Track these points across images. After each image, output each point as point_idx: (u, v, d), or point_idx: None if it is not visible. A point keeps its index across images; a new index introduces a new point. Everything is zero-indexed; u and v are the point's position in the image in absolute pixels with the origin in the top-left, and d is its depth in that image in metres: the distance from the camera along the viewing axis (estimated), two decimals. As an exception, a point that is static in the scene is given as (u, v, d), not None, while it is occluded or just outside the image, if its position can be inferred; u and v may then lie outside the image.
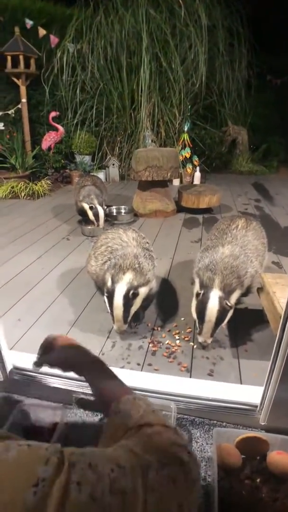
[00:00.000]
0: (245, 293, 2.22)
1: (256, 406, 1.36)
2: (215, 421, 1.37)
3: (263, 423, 1.32)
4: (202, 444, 1.28)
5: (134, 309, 1.96)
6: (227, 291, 1.93)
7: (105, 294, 1.95)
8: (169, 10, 6.09)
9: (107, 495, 0.47)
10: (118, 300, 1.88)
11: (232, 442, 1.19)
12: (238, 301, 2.10)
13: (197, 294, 1.97)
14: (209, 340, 1.93)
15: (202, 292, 1.94)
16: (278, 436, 1.17)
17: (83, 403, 1.47)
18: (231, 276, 1.97)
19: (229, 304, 1.91)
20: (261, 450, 1.17)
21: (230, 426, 1.37)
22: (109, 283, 1.95)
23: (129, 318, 1.95)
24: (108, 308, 1.96)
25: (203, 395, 1.40)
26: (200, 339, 1.94)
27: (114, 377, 0.90)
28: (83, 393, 1.47)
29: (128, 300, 1.88)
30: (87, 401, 1.47)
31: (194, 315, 1.97)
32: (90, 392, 1.47)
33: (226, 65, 6.74)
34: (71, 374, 1.49)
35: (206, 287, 1.95)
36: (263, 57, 7.43)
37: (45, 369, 1.54)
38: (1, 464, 0.46)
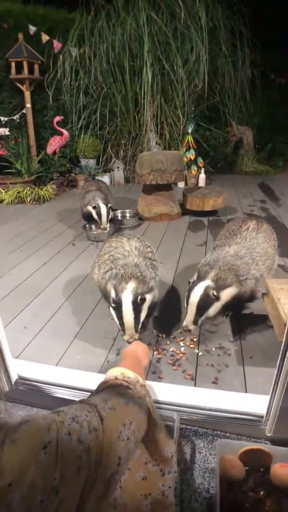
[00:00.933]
0: (250, 298, 2.22)
1: (262, 417, 1.35)
2: (219, 432, 1.37)
3: (269, 434, 1.31)
4: (205, 455, 1.29)
5: (143, 315, 1.91)
6: (219, 284, 1.97)
7: (112, 305, 1.90)
8: (170, 12, 6.08)
9: (87, 435, 0.70)
10: (128, 308, 1.83)
11: (235, 453, 1.19)
12: (238, 304, 2.14)
13: (189, 282, 2.06)
14: (191, 327, 1.96)
15: (193, 280, 2.03)
16: (282, 449, 1.17)
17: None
18: (228, 272, 2.01)
19: (215, 294, 1.93)
20: (264, 462, 1.17)
21: (235, 437, 1.37)
22: (113, 294, 1.91)
23: (140, 326, 1.90)
24: (116, 319, 1.89)
25: (206, 405, 1.40)
26: (183, 323, 1.99)
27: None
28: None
29: (137, 306, 1.84)
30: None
31: (186, 302, 2.03)
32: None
33: (229, 65, 6.71)
34: (76, 384, 1.51)
35: (199, 278, 2.02)
36: (266, 56, 7.38)
37: (49, 379, 1.57)
38: (19, 435, 0.60)
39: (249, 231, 2.33)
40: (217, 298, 1.95)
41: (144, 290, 1.91)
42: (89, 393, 1.51)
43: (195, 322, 1.96)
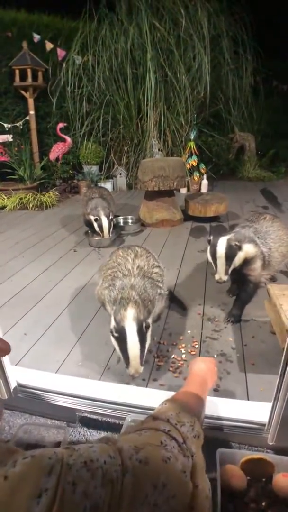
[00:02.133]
0: (255, 285, 2.36)
1: (264, 425, 1.33)
2: (220, 440, 1.34)
3: (271, 443, 1.29)
4: (206, 464, 1.26)
5: (148, 344, 1.72)
6: (238, 239, 2.20)
7: (114, 335, 1.70)
8: (173, 21, 6.15)
9: (99, 489, 0.54)
10: (133, 340, 1.62)
11: (237, 463, 1.17)
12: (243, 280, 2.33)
13: (209, 241, 2.27)
14: (224, 277, 2.18)
15: (211, 237, 2.26)
16: (284, 458, 1.15)
17: (86, 421, 1.48)
18: (244, 233, 2.29)
19: (237, 244, 2.15)
20: (266, 472, 1.15)
21: (236, 446, 1.34)
22: (113, 323, 1.72)
23: (144, 358, 1.69)
24: (119, 351, 1.69)
25: (207, 413, 1.37)
26: (216, 276, 2.19)
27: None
28: (86, 411, 1.47)
29: (143, 336, 1.65)
30: (91, 419, 1.47)
31: (209, 258, 2.24)
32: (93, 410, 1.48)
33: (232, 72, 6.76)
34: (76, 392, 1.49)
35: (218, 236, 2.25)
36: (268, 63, 7.42)
37: (49, 386, 1.55)
38: (9, 479, 0.50)
39: (266, 220, 2.56)
40: (240, 248, 2.16)
41: (145, 315, 1.73)
42: (89, 401, 1.50)
43: (226, 273, 2.17)
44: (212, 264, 2.23)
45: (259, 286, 2.41)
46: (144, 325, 1.66)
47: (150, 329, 1.73)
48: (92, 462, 0.57)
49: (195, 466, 0.77)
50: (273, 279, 2.78)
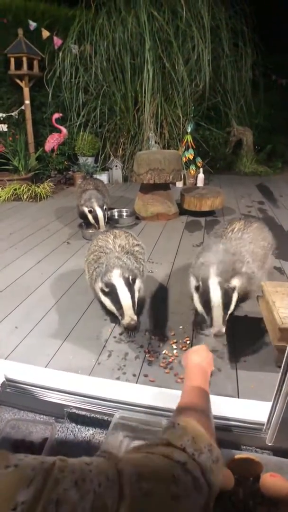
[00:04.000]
0: (244, 298, 2.10)
1: (255, 424, 1.32)
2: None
3: (270, 444, 1.27)
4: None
5: (137, 296, 1.88)
6: (225, 278, 1.85)
7: (105, 290, 1.83)
8: (172, 11, 6.04)
9: None
10: (122, 289, 1.79)
11: (224, 463, 1.16)
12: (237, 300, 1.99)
13: (196, 287, 1.91)
14: (223, 329, 1.80)
15: (200, 283, 1.87)
16: (272, 458, 1.14)
17: (75, 417, 1.46)
18: (226, 265, 1.91)
19: (231, 286, 1.84)
20: (254, 471, 1.14)
21: (227, 445, 1.33)
22: (100, 284, 1.87)
23: (136, 306, 1.85)
24: (112, 304, 1.83)
25: None
26: (214, 330, 1.80)
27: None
28: (75, 407, 1.45)
29: (130, 286, 1.82)
30: (79, 415, 1.46)
31: (199, 308, 1.91)
32: (82, 406, 1.46)
33: (231, 65, 6.68)
34: (63, 387, 1.47)
35: (203, 278, 1.87)
36: (268, 57, 7.35)
37: (38, 381, 1.53)
38: None
39: (234, 232, 2.28)
40: (233, 289, 1.86)
41: (132, 274, 1.88)
42: (78, 397, 1.48)
43: (224, 322, 1.82)
44: (205, 315, 1.88)
45: (245, 300, 2.13)
46: (130, 277, 1.82)
47: (137, 281, 1.88)
48: (84, 482, 0.50)
49: (211, 497, 0.66)
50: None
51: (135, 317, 1.79)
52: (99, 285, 1.89)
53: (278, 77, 8.41)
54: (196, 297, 1.92)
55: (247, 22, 6.62)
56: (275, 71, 8.23)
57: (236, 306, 1.93)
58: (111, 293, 1.80)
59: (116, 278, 1.81)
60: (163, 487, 0.58)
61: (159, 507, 0.55)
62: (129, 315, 1.77)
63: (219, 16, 6.32)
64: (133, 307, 1.80)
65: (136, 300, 1.85)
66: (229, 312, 1.85)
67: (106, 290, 1.81)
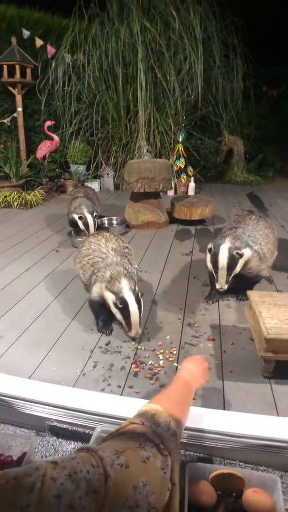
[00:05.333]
0: (255, 278, 2.55)
1: (248, 437, 1.28)
2: (191, 453, 1.31)
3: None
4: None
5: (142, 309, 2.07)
6: (237, 246, 2.26)
7: (118, 306, 1.99)
8: (164, 22, 6.12)
9: (83, 499, 0.57)
10: (134, 307, 1.96)
11: (206, 477, 1.14)
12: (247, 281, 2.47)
13: (209, 249, 2.33)
14: (225, 286, 2.24)
15: (213, 246, 2.30)
16: (255, 473, 1.12)
17: (56, 431, 1.43)
18: (241, 238, 2.34)
19: (239, 252, 2.23)
20: (237, 487, 1.12)
21: (209, 459, 1.31)
22: (112, 297, 2.03)
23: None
24: (122, 318, 2.01)
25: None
26: (217, 285, 2.25)
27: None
28: (56, 420, 1.42)
29: (140, 303, 2.02)
30: (61, 428, 1.42)
31: (210, 266, 2.31)
32: (64, 419, 1.43)
33: (222, 76, 6.77)
34: (45, 399, 1.44)
35: (216, 243, 2.30)
36: (258, 69, 7.47)
37: (19, 393, 1.50)
38: None
39: (252, 220, 2.68)
40: (241, 256, 2.24)
41: (135, 286, 2.07)
42: (62, 410, 1.45)
43: (227, 281, 2.23)
44: (213, 272, 2.28)
45: (259, 279, 2.62)
46: (139, 294, 2.03)
47: (137, 289, 2.08)
48: (76, 474, 0.59)
49: (173, 464, 0.80)
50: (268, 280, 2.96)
51: (140, 331, 2.03)
52: (111, 297, 2.04)
53: (269, 88, 8.55)
54: (208, 257, 2.33)
55: (238, 35, 6.73)
56: (266, 82, 8.37)
57: (249, 273, 2.40)
58: (123, 308, 1.98)
59: (127, 292, 1.99)
60: (135, 455, 0.72)
61: (135, 472, 0.68)
62: (136, 329, 1.99)
63: (211, 29, 6.41)
64: (139, 322, 2.01)
65: (141, 314, 2.04)
66: (233, 274, 2.23)
67: (120, 306, 1.98)
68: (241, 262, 2.27)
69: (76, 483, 0.57)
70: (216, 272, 2.24)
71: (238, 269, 2.28)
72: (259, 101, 8.10)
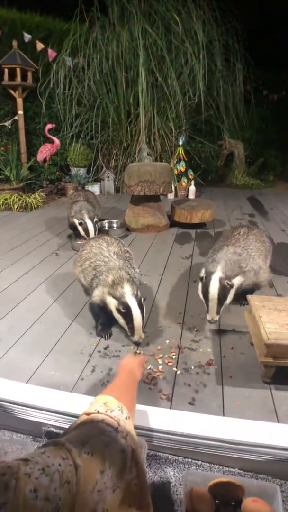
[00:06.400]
0: (253, 289, 2.51)
1: (239, 444, 1.28)
2: (190, 460, 1.29)
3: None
4: (175, 484, 1.21)
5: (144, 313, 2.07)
6: (228, 275, 2.20)
7: (122, 311, 1.99)
8: (165, 26, 6.13)
9: (58, 490, 0.60)
10: (137, 312, 1.97)
11: (205, 485, 1.12)
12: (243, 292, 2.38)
13: (201, 278, 2.27)
14: (216, 318, 2.17)
15: (204, 275, 2.24)
16: (254, 481, 1.10)
17: (53, 436, 1.41)
18: (231, 265, 2.27)
19: (229, 283, 2.17)
20: (236, 495, 1.10)
21: (207, 466, 1.29)
22: (114, 301, 2.02)
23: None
24: (125, 323, 2.00)
25: (178, 430, 1.32)
26: (208, 317, 2.18)
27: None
28: (53, 425, 1.40)
29: (143, 308, 2.02)
30: (58, 434, 1.41)
31: (201, 296, 2.24)
32: (61, 425, 1.41)
33: (223, 80, 6.78)
34: (42, 405, 1.42)
35: (208, 272, 2.23)
36: (259, 73, 7.49)
37: (15, 399, 1.48)
38: None
39: (241, 235, 2.62)
40: (232, 286, 2.19)
41: (137, 290, 2.07)
42: (59, 415, 1.43)
43: (218, 313, 2.17)
44: (204, 303, 2.23)
45: (260, 288, 2.57)
46: (141, 299, 2.03)
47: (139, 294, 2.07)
48: (48, 467, 0.61)
49: (134, 444, 0.87)
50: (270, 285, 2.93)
51: (143, 336, 2.02)
52: (113, 302, 2.04)
53: (270, 93, 8.57)
54: (200, 286, 2.27)
55: (239, 39, 6.74)
56: (267, 87, 8.39)
57: (242, 295, 2.35)
58: (126, 313, 1.98)
59: (130, 297, 1.99)
60: (98, 441, 0.78)
61: (100, 458, 0.72)
62: (139, 335, 1.99)
63: (212, 33, 6.43)
64: (142, 327, 2.01)
65: (144, 318, 2.04)
66: (224, 305, 2.18)
67: (123, 311, 1.98)
68: (231, 293, 2.21)
69: (50, 476, 0.60)
70: (207, 304, 2.18)
71: (229, 300, 2.22)
72: (260, 105, 8.12)
